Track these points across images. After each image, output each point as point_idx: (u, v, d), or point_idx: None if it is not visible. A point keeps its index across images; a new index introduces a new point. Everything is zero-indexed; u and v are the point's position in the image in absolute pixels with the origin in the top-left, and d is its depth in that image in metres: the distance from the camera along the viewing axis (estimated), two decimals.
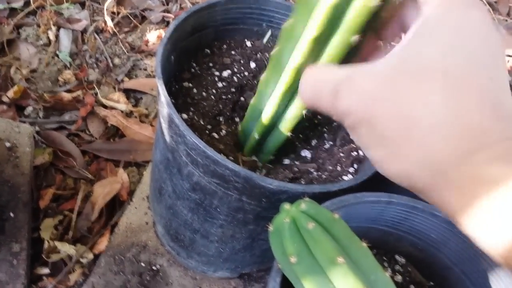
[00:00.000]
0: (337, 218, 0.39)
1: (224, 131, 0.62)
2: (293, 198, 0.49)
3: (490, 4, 1.31)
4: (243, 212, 0.55)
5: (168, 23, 1.10)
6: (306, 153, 0.65)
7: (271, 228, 0.40)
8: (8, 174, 0.74)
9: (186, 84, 0.63)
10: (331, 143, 0.65)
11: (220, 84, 0.65)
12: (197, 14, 0.60)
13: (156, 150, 0.64)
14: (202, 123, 0.60)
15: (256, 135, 0.55)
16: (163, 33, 1.07)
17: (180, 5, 1.12)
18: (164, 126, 0.54)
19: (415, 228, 0.53)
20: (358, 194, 0.49)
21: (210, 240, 0.63)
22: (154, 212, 0.75)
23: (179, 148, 0.52)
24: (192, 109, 0.60)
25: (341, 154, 0.63)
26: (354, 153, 0.62)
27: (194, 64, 0.65)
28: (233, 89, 0.65)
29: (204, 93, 0.63)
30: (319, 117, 0.67)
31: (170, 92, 0.61)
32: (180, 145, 0.52)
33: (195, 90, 0.63)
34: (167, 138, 0.54)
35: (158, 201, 0.68)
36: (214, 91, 0.64)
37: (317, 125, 0.67)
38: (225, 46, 0.68)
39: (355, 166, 0.61)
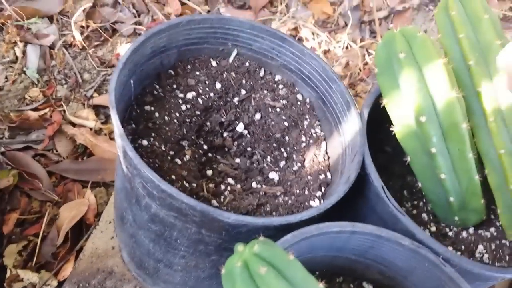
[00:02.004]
0: (291, 259, 0.37)
1: (188, 157, 0.60)
2: (253, 231, 0.47)
3: None
4: (204, 244, 0.53)
5: (139, 35, 1.08)
6: (273, 175, 0.63)
7: (223, 271, 0.38)
8: None
9: (148, 107, 0.61)
10: (299, 164, 0.64)
11: (184, 107, 0.63)
12: (156, 36, 0.58)
13: (117, 177, 0.61)
14: (163, 149, 0.58)
15: None
16: None
17: (152, 16, 1.10)
18: (121, 155, 0.52)
19: (381, 256, 0.52)
20: (321, 224, 0.47)
21: (174, 269, 0.61)
22: (118, 238, 0.73)
23: (135, 180, 0.50)
24: (153, 134, 0.58)
25: (309, 177, 0.61)
26: (322, 176, 0.61)
27: (157, 86, 0.63)
28: (198, 112, 0.64)
29: (166, 117, 0.61)
30: (287, 138, 0.66)
31: (130, 117, 0.59)
32: (135, 177, 0.50)
33: (157, 114, 0.60)
34: (124, 168, 0.52)
35: (121, 228, 0.65)
36: (177, 114, 0.62)
37: (285, 146, 0.65)
38: (189, 67, 0.66)
39: (323, 189, 0.60)
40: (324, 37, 1.14)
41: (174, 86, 0.64)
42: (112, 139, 0.92)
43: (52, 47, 1.01)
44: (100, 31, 1.05)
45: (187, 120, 0.62)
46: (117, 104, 0.50)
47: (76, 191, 0.83)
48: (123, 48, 1.04)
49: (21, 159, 0.84)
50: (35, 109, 0.92)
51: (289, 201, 0.58)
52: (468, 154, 0.57)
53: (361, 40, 1.18)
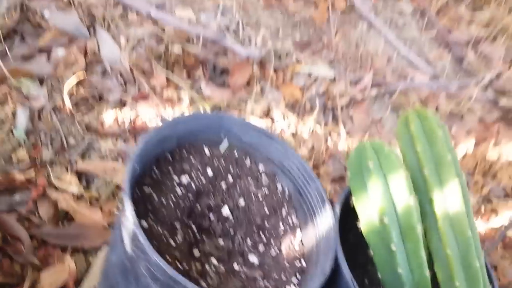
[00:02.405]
0: None
1: (180, 238, 0.67)
2: None
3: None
4: None
5: (125, 104, 1.15)
6: (253, 259, 0.71)
7: None
8: None
9: (147, 189, 0.68)
10: (277, 250, 0.72)
11: (178, 190, 0.70)
12: (165, 130, 0.66)
13: (112, 251, 0.67)
14: (160, 230, 0.64)
15: None
16: (119, 114, 1.12)
17: (139, 88, 1.18)
18: (126, 237, 0.58)
19: None
20: None
21: None
22: None
23: (140, 262, 0.56)
24: (151, 216, 0.65)
25: (286, 263, 0.69)
26: (298, 263, 0.69)
27: (156, 170, 0.71)
28: (190, 195, 0.71)
29: (163, 200, 0.68)
30: (266, 224, 0.74)
31: (132, 198, 0.66)
32: (141, 259, 0.56)
33: (155, 196, 0.67)
34: (128, 248, 0.58)
35: None
36: (173, 197, 0.69)
37: (264, 231, 0.73)
38: (185, 152, 0.74)
39: (298, 276, 0.68)
40: (293, 120, 1.25)
41: (171, 170, 0.72)
42: (91, 204, 0.96)
43: (40, 110, 1.06)
44: (89, 98, 1.11)
45: (180, 202, 0.69)
46: (129, 191, 0.57)
47: (56, 256, 0.87)
48: (109, 117, 1.10)
49: (6, 222, 0.87)
50: (21, 171, 0.95)
51: (269, 286, 0.65)
52: (421, 252, 0.67)
53: (325, 124, 1.31)
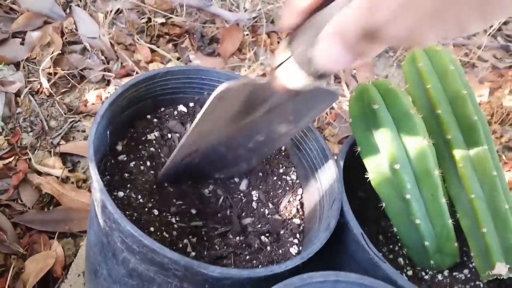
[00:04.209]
0: None
1: (160, 206, 0.59)
2: (237, 283, 0.47)
3: None
4: None
5: (108, 82, 1.07)
6: (248, 221, 0.63)
7: None
8: None
9: (122, 157, 0.60)
10: (275, 210, 0.64)
11: (159, 155, 0.62)
12: (133, 88, 0.58)
13: (90, 230, 0.59)
14: (141, 200, 0.57)
15: None
16: (102, 92, 1.04)
17: (122, 63, 1.10)
18: (98, 209, 0.51)
19: None
20: (305, 275, 0.47)
21: None
22: None
23: (114, 234, 0.49)
24: (129, 185, 0.57)
25: (286, 224, 0.61)
26: (298, 222, 0.61)
27: (132, 134, 0.63)
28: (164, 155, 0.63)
29: (141, 167, 0.60)
30: (263, 184, 0.66)
31: (105, 168, 0.58)
32: (114, 231, 0.48)
33: (132, 164, 0.60)
34: (101, 222, 0.51)
35: (93, 283, 0.63)
36: (152, 163, 0.61)
37: (262, 192, 0.65)
38: (164, 115, 0.66)
39: (300, 236, 0.60)
40: None
41: (148, 134, 0.64)
42: (79, 187, 0.89)
43: (18, 94, 0.99)
44: (68, 77, 1.03)
45: (161, 168, 0.62)
46: (95, 157, 0.49)
47: (43, 243, 0.80)
48: (91, 95, 1.03)
49: None
50: None
51: (268, 248, 0.57)
52: (441, 199, 0.59)
53: (327, 85, 1.22)
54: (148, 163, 0.60)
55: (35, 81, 1.02)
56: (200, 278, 0.46)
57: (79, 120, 0.99)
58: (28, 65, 1.04)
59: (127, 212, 0.54)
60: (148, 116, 0.65)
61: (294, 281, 0.46)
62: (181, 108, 0.67)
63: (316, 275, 0.47)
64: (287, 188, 0.64)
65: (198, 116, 0.46)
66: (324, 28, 0.33)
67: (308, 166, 0.64)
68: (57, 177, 0.88)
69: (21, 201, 0.85)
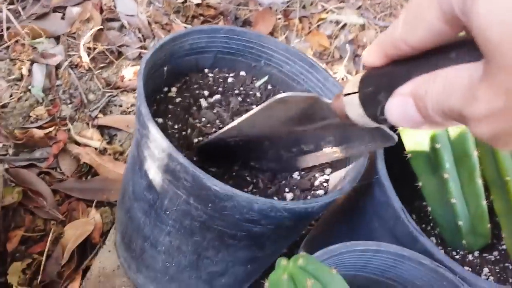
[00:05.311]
0: (335, 274, 0.38)
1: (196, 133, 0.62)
2: (238, 207, 0.47)
3: None
4: (190, 219, 0.54)
5: None
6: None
7: (267, 284, 0.39)
8: None
9: (172, 94, 0.64)
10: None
11: (204, 103, 0.65)
12: (196, 34, 0.61)
13: (129, 155, 0.64)
14: (175, 127, 0.60)
15: None
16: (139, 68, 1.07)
17: (158, 40, 1.12)
18: (136, 121, 0.54)
19: (401, 276, 0.53)
20: (348, 243, 0.49)
21: (158, 250, 0.62)
22: (117, 219, 0.75)
23: (142, 141, 0.52)
24: (169, 115, 0.61)
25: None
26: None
27: (187, 81, 0.66)
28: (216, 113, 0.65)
29: (186, 103, 0.63)
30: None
31: (155, 100, 0.62)
32: (143, 138, 0.51)
33: (178, 100, 0.63)
34: (136, 133, 0.55)
35: (120, 207, 0.68)
36: (197, 106, 0.64)
37: None
38: (220, 74, 0.68)
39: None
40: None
41: (202, 85, 0.66)
42: (116, 159, 0.92)
43: (58, 67, 1.02)
44: (107, 53, 1.06)
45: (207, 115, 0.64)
46: (145, 79, 0.53)
47: (81, 210, 0.83)
48: (128, 71, 1.05)
49: (26, 177, 0.84)
50: (40, 127, 0.92)
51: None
52: (477, 180, 0.60)
53: (356, 72, 1.23)
54: (194, 105, 0.63)
55: (74, 55, 1.04)
56: (204, 193, 0.47)
57: (116, 95, 1.01)
58: (68, 39, 1.07)
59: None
60: (206, 70, 0.67)
61: (338, 247, 0.48)
62: (238, 71, 0.69)
63: (359, 243, 0.49)
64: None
65: (254, 110, 0.47)
66: (406, 83, 0.30)
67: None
68: (95, 148, 0.91)
69: (60, 169, 0.88)
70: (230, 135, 0.57)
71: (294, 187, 0.61)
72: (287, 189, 0.61)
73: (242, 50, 0.67)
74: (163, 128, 0.58)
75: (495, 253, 0.67)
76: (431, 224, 0.69)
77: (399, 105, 0.30)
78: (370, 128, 0.42)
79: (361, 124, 0.39)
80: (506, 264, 0.66)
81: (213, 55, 0.66)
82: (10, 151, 0.87)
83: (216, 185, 0.45)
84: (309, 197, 0.60)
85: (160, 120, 0.59)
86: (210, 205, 0.49)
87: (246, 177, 0.61)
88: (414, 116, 0.29)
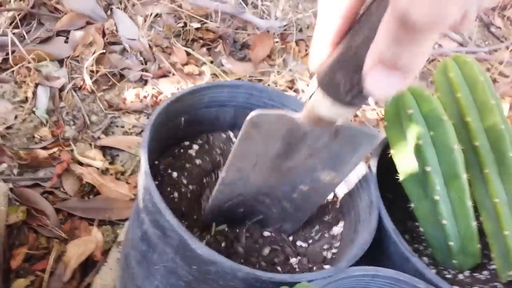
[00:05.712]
0: None
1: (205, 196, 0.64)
2: (222, 273, 0.47)
3: None
4: (176, 277, 0.54)
5: (146, 81, 1.13)
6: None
7: None
8: None
9: (192, 152, 0.65)
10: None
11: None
12: (215, 89, 0.62)
13: (131, 221, 0.65)
14: (188, 186, 0.61)
15: None
16: (140, 91, 1.10)
17: (159, 65, 1.16)
18: (140, 173, 0.56)
19: None
20: (346, 269, 0.51)
21: None
22: (118, 266, 0.75)
23: (142, 195, 0.54)
24: (185, 173, 0.62)
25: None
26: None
27: (210, 139, 0.67)
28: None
29: (202, 164, 0.65)
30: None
31: (173, 153, 0.64)
32: (143, 189, 0.53)
33: (198, 161, 0.64)
34: (140, 203, 0.56)
35: (123, 250, 0.68)
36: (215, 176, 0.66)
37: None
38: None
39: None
40: None
41: (225, 151, 0.67)
42: (118, 179, 0.94)
43: (61, 89, 1.05)
44: (109, 76, 1.09)
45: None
46: (157, 128, 0.54)
47: (83, 229, 0.85)
48: (130, 93, 1.08)
49: (30, 196, 0.86)
50: (44, 148, 0.94)
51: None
52: (467, 202, 0.63)
53: None
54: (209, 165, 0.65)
55: (77, 77, 1.07)
56: (189, 254, 0.47)
57: (118, 117, 1.04)
58: (71, 63, 1.10)
59: (169, 189, 0.59)
60: (230, 133, 0.68)
61: (336, 273, 0.50)
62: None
63: (358, 269, 0.52)
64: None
65: (234, 145, 0.47)
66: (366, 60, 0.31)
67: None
68: (98, 168, 0.94)
69: (64, 189, 0.90)
70: (227, 196, 0.57)
71: (303, 256, 0.62)
72: (292, 255, 0.61)
73: (263, 107, 0.66)
74: (175, 184, 0.59)
75: (485, 272, 0.69)
76: (424, 244, 0.71)
77: (374, 80, 0.30)
78: (350, 135, 0.44)
79: (335, 117, 0.40)
80: (496, 283, 0.68)
81: (234, 109, 0.66)
82: (15, 171, 0.90)
83: (200, 248, 0.45)
84: (315, 268, 0.60)
85: (175, 174, 0.60)
86: (194, 267, 0.49)
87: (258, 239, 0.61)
88: (388, 78, 0.30)
